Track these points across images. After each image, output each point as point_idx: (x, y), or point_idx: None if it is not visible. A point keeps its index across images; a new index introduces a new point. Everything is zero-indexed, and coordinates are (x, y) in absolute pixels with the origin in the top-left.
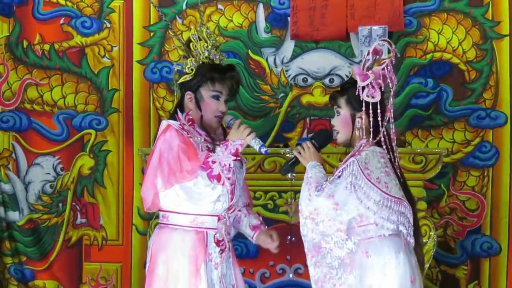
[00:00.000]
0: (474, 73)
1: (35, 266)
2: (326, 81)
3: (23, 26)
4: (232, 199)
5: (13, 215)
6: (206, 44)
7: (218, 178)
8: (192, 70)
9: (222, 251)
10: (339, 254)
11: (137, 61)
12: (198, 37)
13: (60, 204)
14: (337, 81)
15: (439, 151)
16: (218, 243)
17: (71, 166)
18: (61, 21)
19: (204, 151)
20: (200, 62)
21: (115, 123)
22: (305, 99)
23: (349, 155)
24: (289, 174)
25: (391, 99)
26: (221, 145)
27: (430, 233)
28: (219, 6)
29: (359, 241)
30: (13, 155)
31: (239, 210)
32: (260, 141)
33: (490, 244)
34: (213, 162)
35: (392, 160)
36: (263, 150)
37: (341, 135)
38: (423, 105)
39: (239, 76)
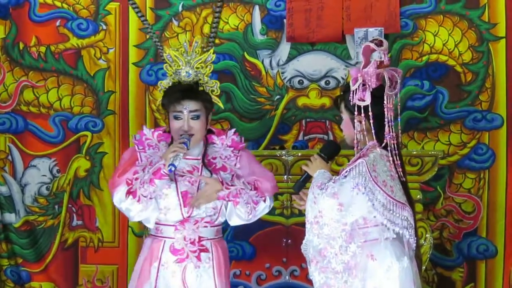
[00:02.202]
0: (470, 75)
1: (31, 268)
2: (322, 83)
3: (19, 28)
4: (189, 212)
5: (9, 217)
6: (177, 64)
7: (134, 194)
8: (163, 92)
9: (180, 260)
10: (344, 258)
11: (133, 63)
12: (175, 57)
13: (56, 206)
14: (333, 83)
15: (435, 153)
16: (174, 252)
17: (67, 168)
18: (57, 23)
19: (134, 168)
20: (170, 84)
21: (111, 125)
22: (301, 101)
23: (356, 156)
24: (285, 176)
25: (387, 98)
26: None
27: (426, 235)
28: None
29: (363, 244)
30: (9, 157)
31: (215, 226)
32: (176, 160)
33: (486, 247)
34: (136, 179)
35: (393, 160)
36: (168, 167)
37: (348, 139)
38: (419, 107)
39: (191, 92)
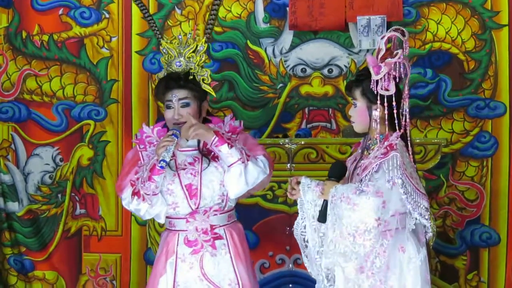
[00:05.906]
0: (473, 63)
1: (34, 256)
2: (325, 71)
3: (22, 16)
4: (196, 203)
5: (13, 206)
6: (170, 55)
7: (138, 194)
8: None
9: (196, 251)
10: (385, 255)
11: (136, 52)
12: (168, 48)
13: (59, 195)
14: (335, 72)
15: (438, 141)
16: (189, 244)
17: (70, 157)
18: (60, 12)
19: (136, 168)
20: (165, 74)
21: (114, 114)
22: (304, 89)
23: (382, 146)
24: (288, 165)
25: (406, 88)
26: None
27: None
28: None
29: (393, 237)
30: (12, 146)
31: (225, 212)
32: (166, 154)
33: (489, 234)
34: (137, 179)
35: (412, 151)
36: (159, 164)
37: (358, 126)
38: (422, 96)
39: (179, 81)
